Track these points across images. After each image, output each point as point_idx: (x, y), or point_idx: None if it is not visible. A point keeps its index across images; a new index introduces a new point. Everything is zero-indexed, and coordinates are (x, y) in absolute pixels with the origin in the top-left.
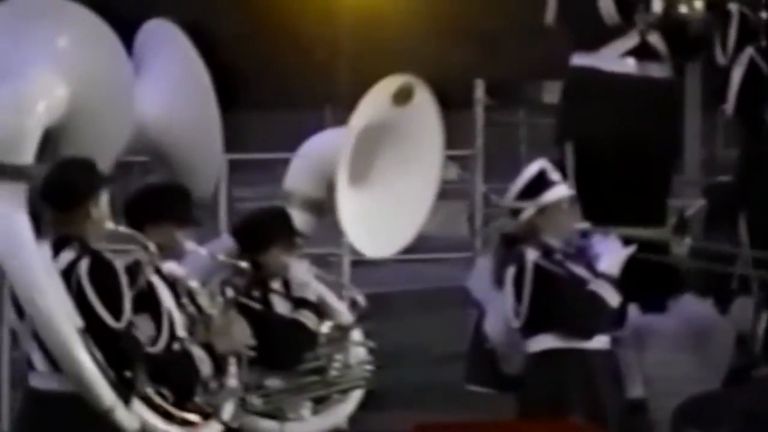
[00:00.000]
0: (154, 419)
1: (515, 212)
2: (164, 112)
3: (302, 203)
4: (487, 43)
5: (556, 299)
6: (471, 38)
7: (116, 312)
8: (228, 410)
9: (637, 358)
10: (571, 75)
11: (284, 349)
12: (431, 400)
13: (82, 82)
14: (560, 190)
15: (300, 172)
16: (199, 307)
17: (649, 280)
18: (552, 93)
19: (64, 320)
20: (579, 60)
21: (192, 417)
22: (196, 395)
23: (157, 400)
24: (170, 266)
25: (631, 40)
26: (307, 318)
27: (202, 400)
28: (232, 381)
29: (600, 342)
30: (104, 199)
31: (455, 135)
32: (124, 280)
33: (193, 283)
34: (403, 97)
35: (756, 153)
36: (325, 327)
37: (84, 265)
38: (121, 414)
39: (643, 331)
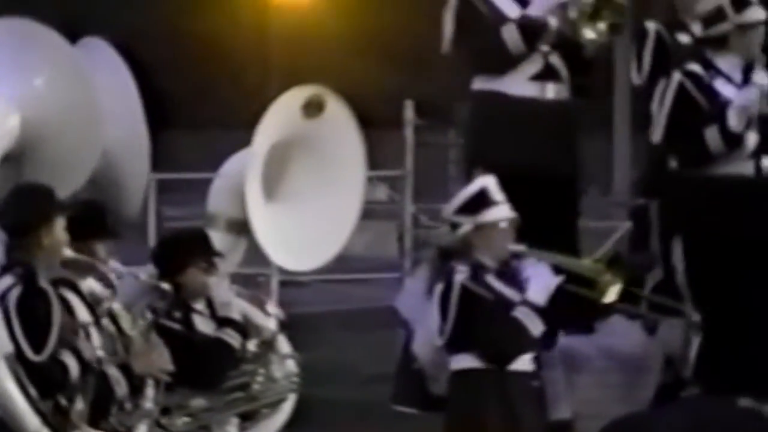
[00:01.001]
0: None
1: (454, 226)
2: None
3: (225, 224)
4: (417, 63)
5: (478, 322)
6: (401, 59)
7: (39, 343)
8: (142, 431)
9: (564, 379)
10: (476, 100)
11: (207, 368)
12: (358, 420)
13: (45, 106)
14: (500, 212)
15: (220, 193)
16: (119, 328)
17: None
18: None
19: None
20: (482, 84)
21: None
22: (110, 415)
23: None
24: (91, 285)
25: (536, 64)
26: (231, 336)
27: (116, 420)
28: (148, 403)
29: (521, 363)
30: (59, 225)
31: (385, 155)
32: (56, 310)
33: (115, 305)
34: (313, 108)
35: (685, 176)
36: (251, 344)
37: (15, 292)
38: None
39: (570, 352)
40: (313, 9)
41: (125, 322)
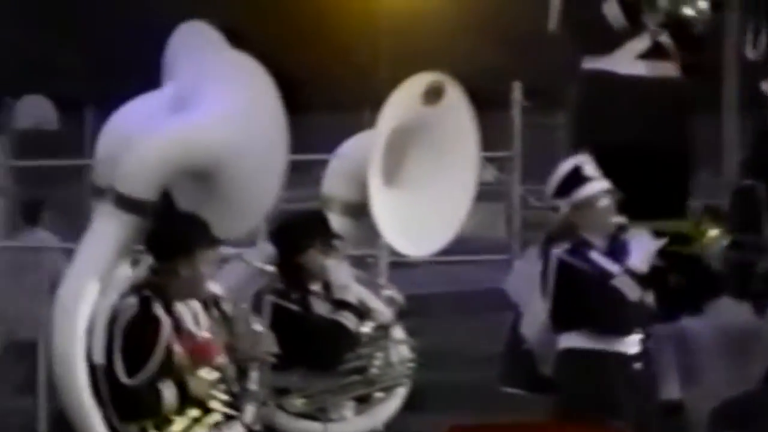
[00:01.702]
0: None
1: (554, 209)
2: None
3: (341, 207)
4: (524, 44)
5: (578, 295)
6: (509, 41)
7: (134, 368)
8: (249, 413)
9: (673, 359)
10: (584, 79)
11: (324, 350)
12: (466, 402)
13: (241, 132)
14: (594, 186)
15: (337, 176)
16: (223, 313)
17: (685, 285)
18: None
19: (77, 353)
20: (591, 64)
21: (214, 418)
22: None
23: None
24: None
25: (643, 42)
26: (347, 319)
27: (225, 402)
28: (254, 385)
29: (625, 344)
30: (205, 258)
31: (493, 137)
32: (162, 341)
33: (218, 290)
34: (433, 95)
35: None
36: (367, 327)
37: (129, 313)
38: None
39: (680, 333)
40: None
41: (227, 305)
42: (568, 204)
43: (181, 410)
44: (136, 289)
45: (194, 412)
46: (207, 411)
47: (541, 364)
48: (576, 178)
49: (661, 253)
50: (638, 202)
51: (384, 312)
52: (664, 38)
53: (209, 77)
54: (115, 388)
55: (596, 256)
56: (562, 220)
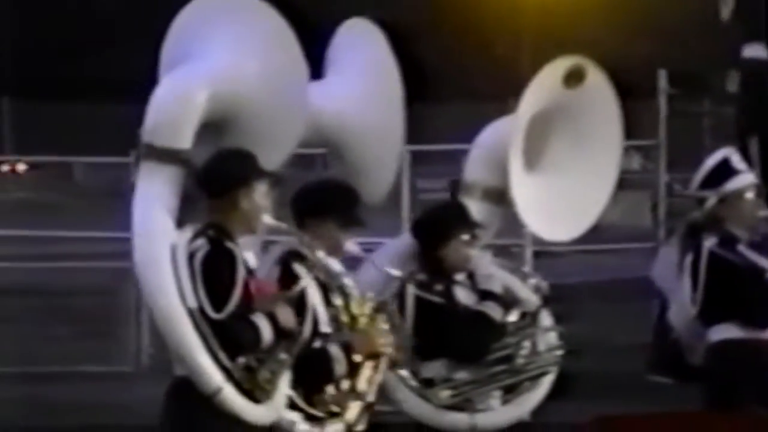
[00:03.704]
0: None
1: (700, 201)
2: (351, 109)
3: (483, 193)
4: (670, 33)
5: (731, 288)
6: (654, 29)
7: (220, 302)
8: (353, 412)
9: None
10: (748, 67)
11: (470, 341)
12: (612, 391)
13: (255, 76)
14: (743, 179)
15: (478, 162)
16: (348, 305)
17: None
18: (737, 83)
19: (173, 300)
20: (752, 52)
21: (316, 412)
22: (325, 393)
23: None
24: (326, 260)
25: None
26: (492, 309)
27: (331, 398)
28: (363, 385)
29: None
30: (261, 191)
31: (638, 125)
32: (240, 270)
33: (348, 281)
34: (574, 79)
35: None
36: (513, 316)
37: (202, 252)
38: (227, 397)
39: None
40: None
41: (354, 302)
42: (716, 195)
43: (276, 343)
44: (200, 232)
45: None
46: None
47: (688, 353)
48: (725, 169)
49: None
50: None
51: (530, 300)
52: None
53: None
54: (214, 327)
55: (746, 251)
56: (708, 212)
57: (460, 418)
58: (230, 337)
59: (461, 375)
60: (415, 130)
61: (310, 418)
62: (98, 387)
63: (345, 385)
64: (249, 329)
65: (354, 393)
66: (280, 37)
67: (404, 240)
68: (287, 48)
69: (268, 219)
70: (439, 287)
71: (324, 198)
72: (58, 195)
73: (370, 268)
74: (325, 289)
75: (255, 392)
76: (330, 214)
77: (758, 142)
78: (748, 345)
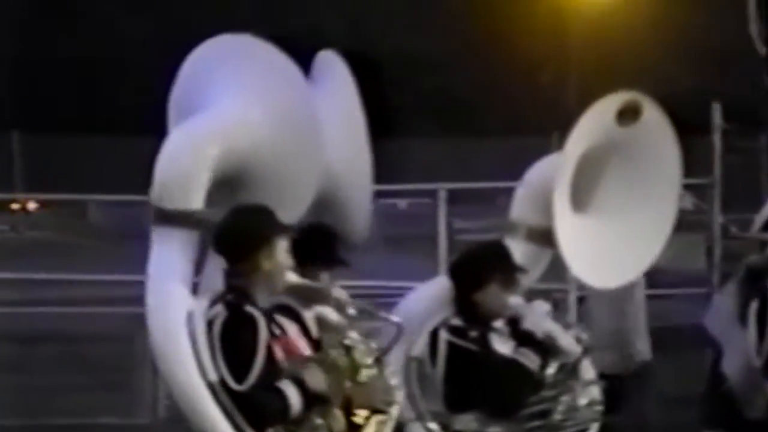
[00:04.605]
0: None
1: (762, 244)
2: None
3: (526, 233)
4: (724, 63)
5: None
6: (708, 58)
7: (241, 372)
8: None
9: None
10: None
11: (504, 392)
12: None
13: (267, 122)
14: None
15: (524, 201)
16: (352, 359)
17: None
18: None
19: (190, 372)
20: None
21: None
22: None
23: None
24: (326, 313)
25: None
26: (528, 358)
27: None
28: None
29: None
30: (281, 248)
31: (691, 162)
32: (262, 337)
33: (353, 335)
34: (629, 115)
35: None
36: (551, 368)
37: (220, 319)
38: None
39: None
40: (612, 5)
41: (359, 353)
42: None
43: (307, 410)
44: (219, 298)
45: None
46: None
47: (744, 406)
48: None
49: None
50: None
51: (571, 350)
52: None
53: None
54: (237, 400)
55: None
56: None
57: None
58: (255, 409)
59: (494, 429)
60: (452, 168)
61: None
62: None
63: None
64: (275, 398)
65: None
66: (289, 80)
67: (440, 283)
68: (297, 89)
69: (292, 277)
70: (474, 334)
71: (305, 244)
72: (71, 235)
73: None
74: (315, 347)
75: None
76: (312, 260)
77: None
78: None
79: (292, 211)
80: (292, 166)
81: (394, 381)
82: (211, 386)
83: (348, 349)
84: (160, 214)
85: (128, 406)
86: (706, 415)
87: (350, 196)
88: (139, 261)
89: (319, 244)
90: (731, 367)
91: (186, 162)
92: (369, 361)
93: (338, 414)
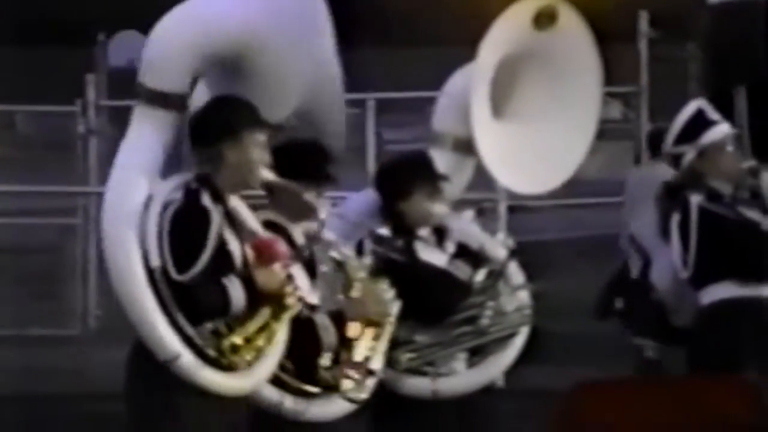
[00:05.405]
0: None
1: (676, 158)
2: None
3: (453, 143)
4: None
5: (726, 243)
6: None
7: (184, 263)
8: (349, 382)
9: None
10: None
11: (432, 301)
12: (593, 354)
13: (261, 13)
14: (721, 129)
15: (446, 111)
16: (336, 260)
17: None
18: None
19: (132, 257)
20: None
21: (310, 388)
22: (318, 367)
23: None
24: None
25: None
26: (459, 268)
27: (328, 374)
28: (360, 354)
29: None
30: (252, 142)
31: (618, 70)
32: (214, 231)
33: (345, 250)
34: (544, 20)
35: None
36: (480, 275)
37: (174, 204)
38: (186, 365)
39: None
40: None
41: (351, 268)
42: (695, 149)
43: (253, 310)
44: (184, 184)
45: (267, 312)
46: (282, 308)
47: (672, 315)
48: (701, 121)
49: None
50: None
51: (497, 257)
52: None
53: None
54: (176, 289)
55: (736, 205)
56: (686, 170)
57: (421, 383)
58: (192, 300)
59: (423, 337)
60: (382, 77)
61: (301, 394)
62: (45, 351)
63: (341, 356)
64: (215, 292)
65: (349, 363)
66: None
67: (368, 194)
68: None
69: (267, 174)
70: (399, 244)
71: (290, 160)
72: None
73: (335, 223)
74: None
75: (222, 361)
76: (299, 176)
77: (746, 91)
78: (746, 303)
79: (280, 107)
80: (285, 57)
81: (389, 295)
82: (151, 273)
83: (339, 264)
84: (140, 91)
85: (58, 317)
86: (636, 325)
87: (326, 105)
88: (68, 172)
89: (307, 160)
90: (661, 277)
91: (169, 42)
92: (362, 274)
93: (327, 323)
